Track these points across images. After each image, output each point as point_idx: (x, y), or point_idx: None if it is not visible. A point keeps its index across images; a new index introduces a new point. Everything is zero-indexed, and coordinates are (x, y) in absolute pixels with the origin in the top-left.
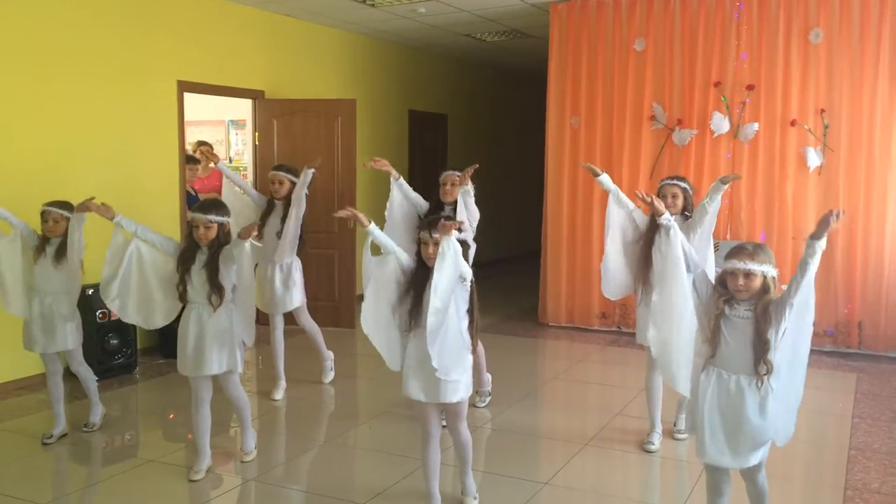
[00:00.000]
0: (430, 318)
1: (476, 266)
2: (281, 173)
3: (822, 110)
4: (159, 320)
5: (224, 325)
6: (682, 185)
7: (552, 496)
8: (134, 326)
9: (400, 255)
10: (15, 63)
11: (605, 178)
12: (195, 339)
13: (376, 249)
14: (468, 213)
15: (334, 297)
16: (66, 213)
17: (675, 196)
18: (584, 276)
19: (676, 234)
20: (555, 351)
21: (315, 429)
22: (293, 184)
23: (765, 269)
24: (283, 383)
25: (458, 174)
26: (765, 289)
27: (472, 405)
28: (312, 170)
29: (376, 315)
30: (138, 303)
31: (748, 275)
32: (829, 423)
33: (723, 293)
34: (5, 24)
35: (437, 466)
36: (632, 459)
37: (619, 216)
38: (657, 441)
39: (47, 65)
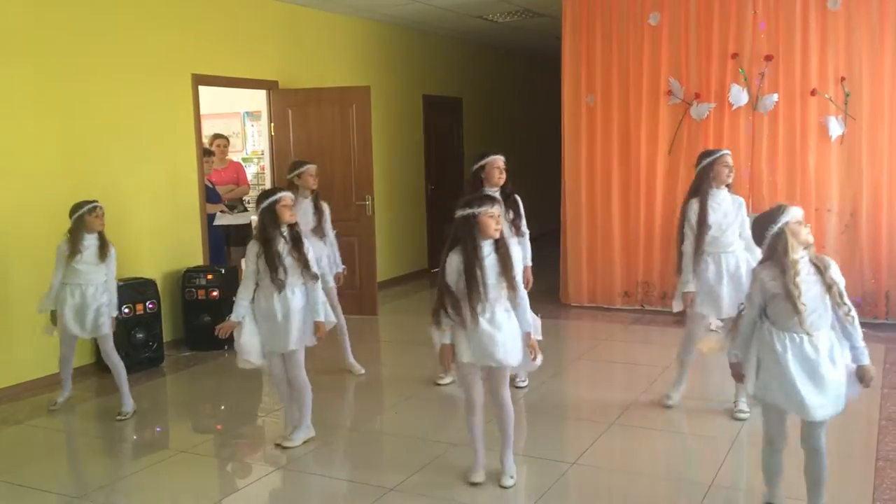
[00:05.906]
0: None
1: None
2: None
3: (843, 78)
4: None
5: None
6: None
7: (580, 476)
8: (160, 320)
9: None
10: (30, 63)
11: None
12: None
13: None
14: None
15: (356, 285)
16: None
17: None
18: (606, 255)
19: None
20: (578, 331)
21: (340, 416)
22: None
23: None
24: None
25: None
26: None
27: (513, 385)
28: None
29: None
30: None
31: None
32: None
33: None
34: (21, 24)
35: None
36: (659, 438)
37: None
38: (676, 396)
39: (61, 64)
